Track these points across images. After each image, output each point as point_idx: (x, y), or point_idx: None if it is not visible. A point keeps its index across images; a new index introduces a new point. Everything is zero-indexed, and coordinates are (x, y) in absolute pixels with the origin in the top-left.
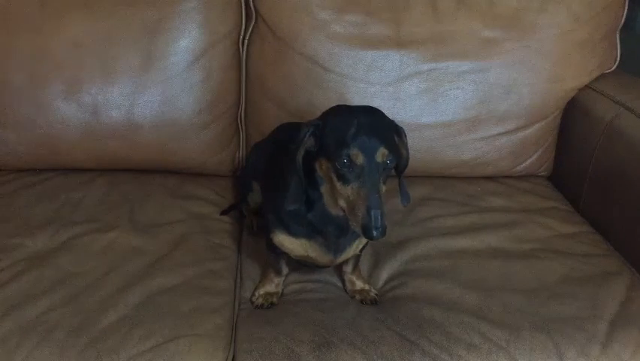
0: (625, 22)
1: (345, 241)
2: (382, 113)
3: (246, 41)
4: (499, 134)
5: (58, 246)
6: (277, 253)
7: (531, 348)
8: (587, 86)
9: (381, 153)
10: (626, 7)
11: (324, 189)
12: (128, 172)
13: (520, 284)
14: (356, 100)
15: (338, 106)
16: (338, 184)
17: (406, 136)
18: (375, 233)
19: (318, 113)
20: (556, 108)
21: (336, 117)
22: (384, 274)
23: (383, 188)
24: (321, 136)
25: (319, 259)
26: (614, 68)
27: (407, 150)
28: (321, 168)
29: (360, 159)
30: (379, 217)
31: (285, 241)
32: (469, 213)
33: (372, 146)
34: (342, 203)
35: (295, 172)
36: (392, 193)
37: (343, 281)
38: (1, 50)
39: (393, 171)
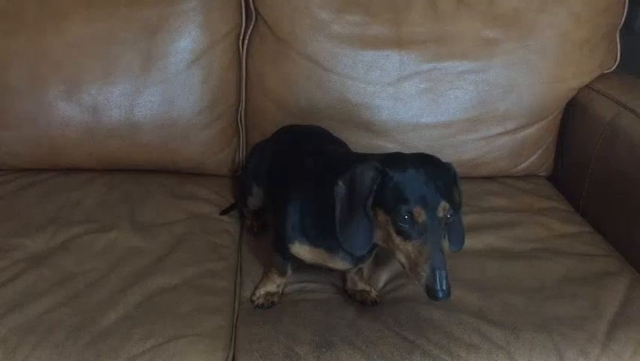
0: (625, 22)
1: (367, 252)
2: (439, 161)
3: (246, 41)
4: (499, 134)
5: (58, 246)
6: (287, 257)
7: (531, 348)
8: (587, 86)
9: (443, 208)
10: (626, 7)
11: (377, 234)
12: (128, 172)
13: (520, 284)
14: (356, 100)
15: (396, 154)
16: (397, 239)
17: (459, 180)
18: (441, 295)
19: (319, 114)
20: (556, 108)
21: (395, 168)
22: (385, 274)
23: (446, 244)
24: (380, 186)
25: (338, 268)
26: (614, 68)
27: (461, 195)
28: (377, 217)
29: (422, 217)
30: (444, 279)
31: (304, 251)
32: (469, 213)
33: (434, 202)
34: (401, 258)
35: (363, 220)
36: None
37: (344, 281)
38: (1, 50)
39: None
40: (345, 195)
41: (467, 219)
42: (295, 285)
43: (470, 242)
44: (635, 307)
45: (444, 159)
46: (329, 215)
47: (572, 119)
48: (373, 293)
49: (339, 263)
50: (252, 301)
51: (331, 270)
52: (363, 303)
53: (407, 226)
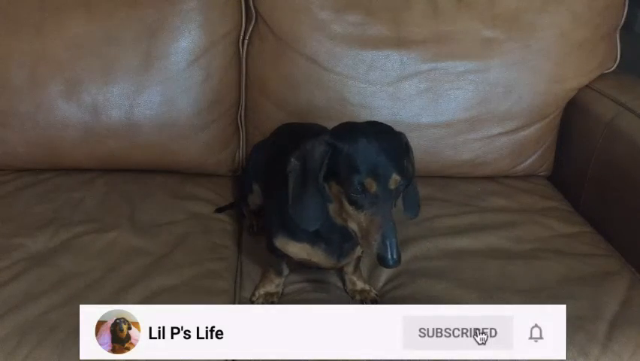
0: (625, 22)
1: (349, 245)
2: (391, 130)
3: (246, 41)
4: (499, 134)
5: (58, 246)
6: (279, 255)
7: None
8: (587, 86)
9: (394, 180)
10: (626, 7)
11: (331, 206)
12: (128, 172)
13: (520, 284)
14: (356, 100)
15: (347, 124)
16: (350, 208)
17: (412, 153)
18: (391, 263)
19: (319, 114)
20: (556, 108)
21: (346, 139)
22: (385, 274)
23: (398, 212)
24: (332, 158)
25: (322, 263)
26: (614, 68)
27: (413, 165)
28: (331, 189)
29: (373, 188)
30: (395, 247)
31: (288, 245)
32: (469, 213)
33: (385, 173)
34: (353, 226)
35: (315, 194)
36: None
37: (344, 281)
38: (1, 50)
39: None
40: (299, 171)
41: (467, 219)
42: (295, 285)
43: (470, 242)
44: (635, 307)
45: (444, 159)
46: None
47: (572, 119)
48: (373, 293)
49: (323, 258)
50: (252, 302)
51: (321, 268)
52: (363, 303)
53: (359, 196)
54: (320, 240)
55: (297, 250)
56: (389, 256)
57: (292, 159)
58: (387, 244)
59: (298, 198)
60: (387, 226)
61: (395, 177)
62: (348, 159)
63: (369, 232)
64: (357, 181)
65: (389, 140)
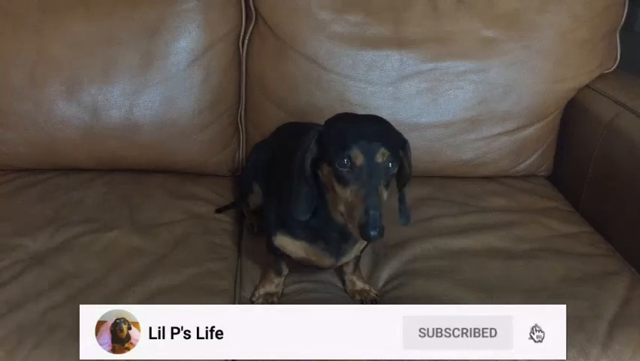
0: (625, 22)
1: (347, 245)
2: (388, 123)
3: (246, 41)
4: (499, 134)
5: (58, 246)
6: (277, 254)
7: None
8: (587, 86)
9: (382, 154)
10: (626, 7)
11: (328, 196)
12: (128, 172)
13: (520, 284)
14: (356, 100)
15: (342, 113)
16: (338, 187)
17: (409, 149)
18: (372, 233)
19: (319, 114)
20: (556, 108)
21: (339, 123)
22: (385, 274)
23: (384, 193)
24: (323, 142)
25: (321, 262)
26: (614, 68)
27: (410, 165)
28: (324, 174)
29: (359, 160)
30: (377, 217)
31: (286, 244)
32: (469, 213)
33: (372, 147)
34: (341, 208)
35: (304, 181)
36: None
37: (343, 281)
38: (1, 50)
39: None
40: (297, 165)
41: (467, 219)
42: (295, 285)
43: (470, 242)
44: (635, 307)
45: (444, 159)
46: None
47: (572, 119)
48: (373, 293)
49: (322, 257)
50: (252, 302)
51: (320, 268)
52: (362, 303)
53: (346, 170)
54: (319, 239)
55: (295, 248)
56: (371, 228)
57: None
58: (370, 215)
59: (294, 190)
60: (372, 198)
61: (383, 151)
62: (337, 137)
63: (354, 206)
64: (344, 154)
65: (382, 125)
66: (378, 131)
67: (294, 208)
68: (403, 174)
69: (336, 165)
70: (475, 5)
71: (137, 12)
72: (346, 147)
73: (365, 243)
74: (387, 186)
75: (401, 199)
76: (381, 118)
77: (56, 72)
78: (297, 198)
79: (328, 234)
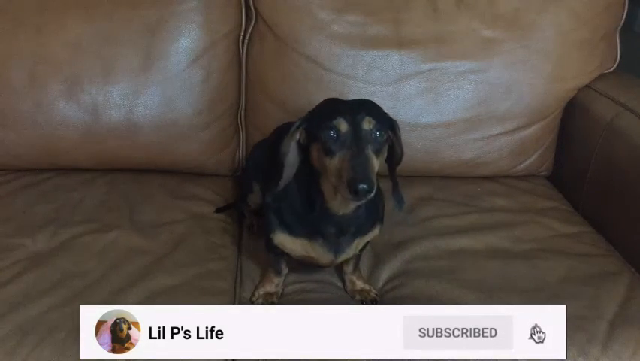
0: (625, 22)
1: (345, 240)
2: (375, 103)
3: (246, 41)
4: (499, 134)
5: (58, 246)
6: (277, 253)
7: None
8: (587, 86)
9: (367, 121)
10: (626, 7)
11: (324, 186)
12: (128, 172)
13: (520, 284)
14: None
15: (330, 98)
16: (327, 160)
17: (399, 129)
18: (360, 186)
19: None
20: (556, 108)
21: (323, 105)
22: (384, 274)
23: (373, 158)
24: (310, 127)
25: (320, 259)
26: (614, 68)
27: (401, 146)
28: (314, 156)
29: (344, 127)
30: (366, 171)
31: (286, 242)
32: (469, 213)
33: (358, 117)
34: (331, 179)
35: (283, 161)
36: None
37: (343, 281)
38: (1, 50)
39: (386, 169)
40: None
41: (467, 219)
42: (295, 285)
43: (470, 242)
44: (635, 307)
45: (444, 159)
46: (303, 202)
47: (572, 119)
48: (373, 292)
49: (321, 254)
50: (252, 302)
51: (319, 266)
52: (362, 302)
53: (332, 141)
54: (317, 235)
55: (294, 246)
56: (358, 181)
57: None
58: (358, 169)
59: (277, 173)
60: (360, 158)
61: (369, 119)
62: (322, 115)
63: (341, 170)
64: (329, 125)
65: (368, 102)
66: (363, 104)
67: (280, 177)
68: (394, 155)
69: (323, 137)
70: (475, 5)
71: (137, 12)
72: (331, 118)
73: (364, 242)
74: (377, 154)
75: (394, 183)
76: (369, 100)
77: (56, 72)
78: (279, 176)
79: (326, 228)
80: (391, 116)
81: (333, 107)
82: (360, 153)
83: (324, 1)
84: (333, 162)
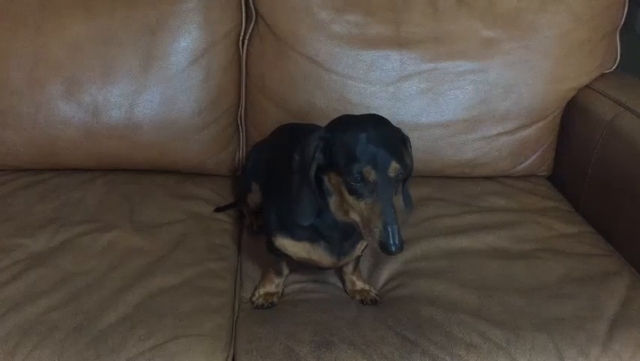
0: (625, 22)
1: (349, 244)
2: (389, 122)
3: (246, 41)
4: (499, 134)
5: (58, 246)
6: (278, 255)
7: (531, 348)
8: (587, 86)
9: (393, 168)
10: (626, 7)
11: (332, 200)
12: (128, 172)
13: (520, 284)
14: (356, 100)
15: (344, 116)
16: (350, 198)
17: (410, 145)
18: (393, 249)
19: (318, 114)
20: (557, 108)
21: (344, 130)
22: (385, 274)
23: (396, 201)
24: (329, 150)
25: (322, 262)
26: (614, 68)
27: (412, 159)
28: (330, 181)
29: (372, 176)
30: (397, 233)
31: (287, 245)
32: (469, 213)
33: (383, 161)
34: (354, 217)
35: (307, 187)
36: None
37: (343, 281)
38: (1, 50)
39: None
40: (298, 166)
41: (467, 219)
42: (295, 285)
43: (470, 242)
44: (635, 307)
45: (444, 159)
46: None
47: (572, 119)
48: (373, 293)
49: (323, 257)
50: (252, 302)
51: (320, 268)
52: (362, 302)
53: (359, 185)
54: (320, 238)
55: (296, 249)
56: (391, 242)
57: (295, 155)
58: (389, 230)
59: (296, 193)
60: (389, 212)
61: (394, 165)
62: (345, 148)
63: (371, 220)
64: (355, 170)
65: (386, 129)
66: (385, 139)
67: (297, 214)
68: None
69: (349, 179)
70: (475, 5)
71: (137, 12)
72: (357, 162)
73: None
74: (397, 192)
75: (403, 187)
76: (381, 118)
77: (56, 72)
78: (300, 203)
79: (330, 233)
80: (392, 115)
81: (357, 143)
82: (389, 206)
83: (324, 1)
84: (359, 205)
